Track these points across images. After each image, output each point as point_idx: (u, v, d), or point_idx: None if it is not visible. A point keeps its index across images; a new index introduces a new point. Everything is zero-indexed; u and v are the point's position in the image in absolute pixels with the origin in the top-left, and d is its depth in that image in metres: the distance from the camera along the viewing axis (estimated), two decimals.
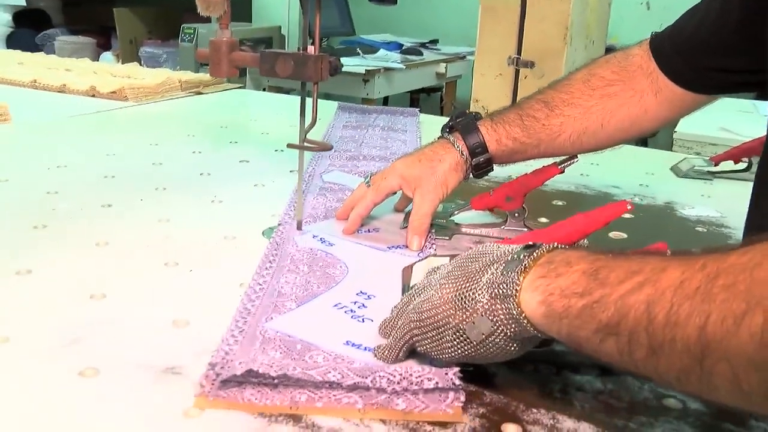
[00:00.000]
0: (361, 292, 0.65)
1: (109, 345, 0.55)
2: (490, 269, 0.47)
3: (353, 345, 0.56)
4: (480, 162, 0.77)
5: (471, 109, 1.57)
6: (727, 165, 1.14)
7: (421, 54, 3.06)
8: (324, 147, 0.77)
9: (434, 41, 3.34)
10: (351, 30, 3.23)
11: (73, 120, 1.34)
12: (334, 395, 0.48)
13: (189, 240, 0.77)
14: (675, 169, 1.19)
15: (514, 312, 0.44)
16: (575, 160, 0.79)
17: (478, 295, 0.46)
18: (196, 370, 0.51)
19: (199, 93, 1.71)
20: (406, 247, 0.76)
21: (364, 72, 2.50)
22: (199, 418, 0.47)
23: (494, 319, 0.45)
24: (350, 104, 1.47)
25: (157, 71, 1.84)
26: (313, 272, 0.69)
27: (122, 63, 3.32)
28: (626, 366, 0.40)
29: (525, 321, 0.44)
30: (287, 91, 3.02)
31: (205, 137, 1.25)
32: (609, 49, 2.98)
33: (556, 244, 0.47)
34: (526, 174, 0.80)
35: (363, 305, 0.62)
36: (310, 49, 0.74)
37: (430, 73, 3.05)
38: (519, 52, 1.49)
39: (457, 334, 0.47)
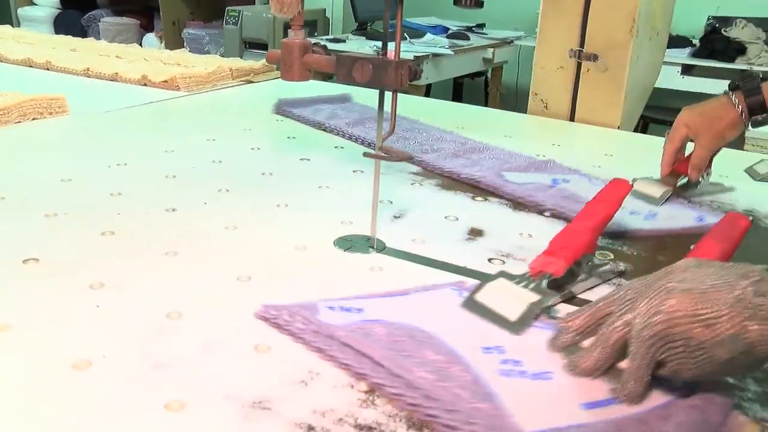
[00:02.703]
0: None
1: (192, 375, 0.53)
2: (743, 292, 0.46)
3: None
4: (759, 120, 0.90)
5: (531, 102, 1.53)
6: None
7: (468, 38, 2.98)
8: (402, 156, 0.73)
9: (481, 25, 3.26)
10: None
11: (129, 112, 1.33)
12: None
13: (259, 251, 0.74)
14: (751, 172, 1.13)
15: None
16: None
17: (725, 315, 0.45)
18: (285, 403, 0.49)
19: (250, 81, 1.69)
20: None
21: (413, 58, 2.44)
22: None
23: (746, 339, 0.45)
24: (290, 99, 1.37)
25: (206, 58, 1.82)
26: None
27: (165, 44, 3.33)
28: None
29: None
30: (331, 76, 2.98)
31: (262, 131, 1.22)
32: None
33: None
34: None
35: None
36: (390, 53, 0.71)
37: (477, 59, 2.98)
38: (582, 44, 1.42)
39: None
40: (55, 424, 0.47)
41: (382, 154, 0.72)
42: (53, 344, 0.56)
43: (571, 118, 1.46)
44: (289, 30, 0.76)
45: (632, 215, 0.90)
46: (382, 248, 0.75)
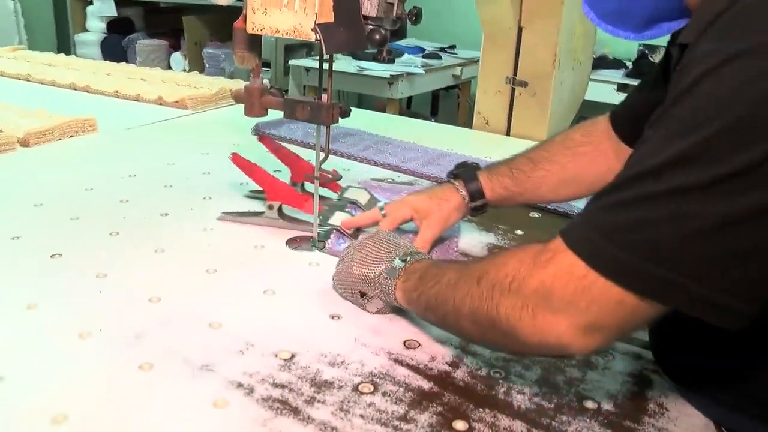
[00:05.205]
0: None
1: (160, 344, 0.62)
2: (384, 271, 0.66)
3: None
4: (477, 205, 0.82)
5: (475, 120, 1.60)
6: None
7: (440, 58, 3.03)
8: (335, 177, 0.81)
9: (452, 46, 3.31)
10: None
11: (145, 129, 1.40)
12: None
13: (227, 249, 0.82)
14: None
15: (394, 301, 0.66)
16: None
17: (374, 287, 0.67)
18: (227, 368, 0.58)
19: None
20: None
21: (389, 76, 2.52)
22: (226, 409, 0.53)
23: (384, 299, 0.67)
24: (265, 121, 1.35)
25: (213, 80, 1.88)
26: None
27: (189, 61, 3.40)
28: (439, 327, 0.62)
29: (398, 304, 0.66)
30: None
31: (249, 147, 1.28)
32: (602, 58, 2.94)
33: (419, 257, 0.67)
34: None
35: None
36: (324, 97, 0.78)
37: (448, 75, 3.03)
38: (515, 73, 1.49)
39: (360, 300, 0.69)
40: (61, 379, 0.56)
41: (320, 176, 0.80)
42: (66, 319, 0.65)
43: (508, 133, 1.54)
44: (250, 77, 0.83)
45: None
46: (322, 248, 0.84)
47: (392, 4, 0.69)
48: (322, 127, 0.78)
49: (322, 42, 0.67)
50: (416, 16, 0.69)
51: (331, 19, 0.67)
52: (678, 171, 0.44)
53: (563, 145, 0.82)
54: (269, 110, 0.84)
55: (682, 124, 0.45)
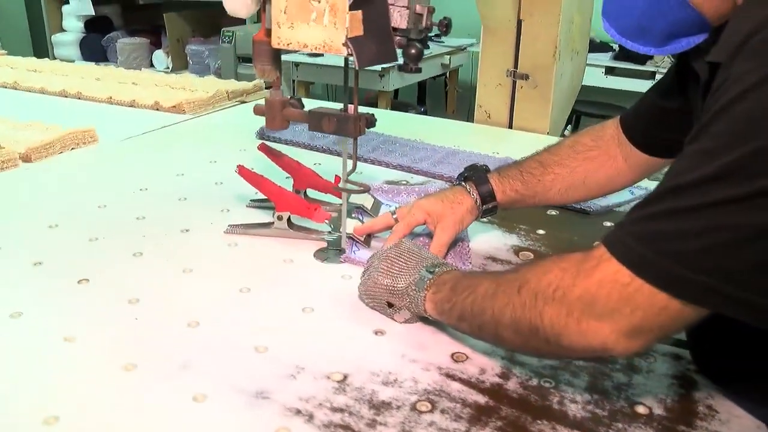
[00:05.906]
0: None
1: (209, 373, 0.61)
2: (412, 282, 0.67)
3: None
4: (489, 207, 0.83)
5: (476, 113, 1.60)
6: None
7: (427, 47, 3.02)
8: (363, 188, 0.81)
9: (439, 35, 3.29)
10: None
11: (146, 137, 1.37)
12: None
13: (255, 265, 0.81)
14: None
15: (423, 312, 0.67)
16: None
17: (402, 298, 0.67)
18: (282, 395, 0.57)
19: (243, 102, 1.73)
20: None
21: (380, 69, 2.51)
22: None
23: (412, 310, 0.68)
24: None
25: (206, 81, 1.85)
26: None
27: (171, 58, 3.33)
28: (474, 336, 0.63)
29: (428, 315, 0.67)
30: (312, 83, 3.02)
31: (254, 152, 1.27)
32: (590, 42, 2.96)
33: (446, 268, 0.67)
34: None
35: None
36: (351, 108, 0.78)
37: (436, 64, 3.03)
38: (516, 66, 1.49)
39: (388, 310, 0.70)
40: (117, 415, 0.55)
41: (347, 188, 0.79)
42: (107, 351, 0.63)
43: (510, 126, 1.54)
44: (271, 89, 0.82)
45: None
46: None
47: (421, 15, 0.68)
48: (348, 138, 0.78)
49: (355, 57, 0.66)
50: (446, 26, 0.68)
51: (361, 33, 0.66)
52: (713, 186, 0.46)
53: (573, 150, 0.84)
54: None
55: (719, 141, 0.47)
